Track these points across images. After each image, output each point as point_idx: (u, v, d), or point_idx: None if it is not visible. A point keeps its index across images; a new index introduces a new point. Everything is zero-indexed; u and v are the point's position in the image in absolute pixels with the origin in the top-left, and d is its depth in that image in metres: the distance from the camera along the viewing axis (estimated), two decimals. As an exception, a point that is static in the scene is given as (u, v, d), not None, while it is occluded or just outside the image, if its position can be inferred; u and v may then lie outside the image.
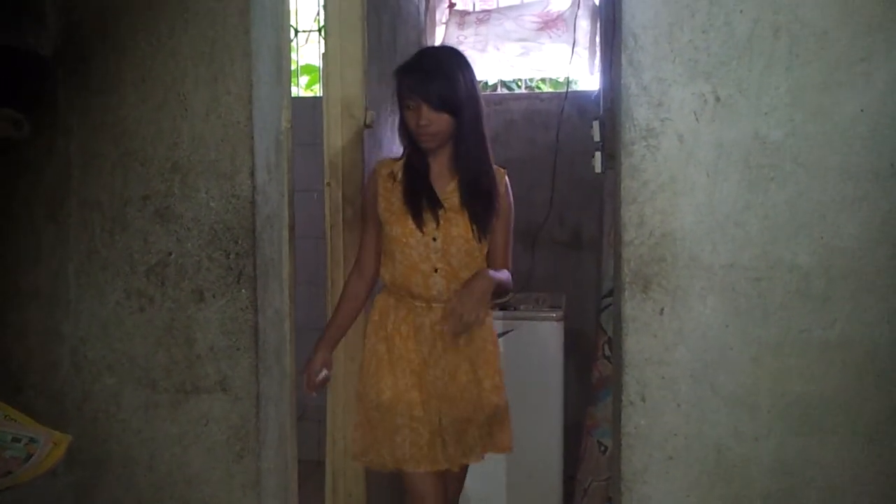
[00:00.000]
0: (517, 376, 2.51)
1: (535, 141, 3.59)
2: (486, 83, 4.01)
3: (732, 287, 1.44)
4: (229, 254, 1.62)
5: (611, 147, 1.93)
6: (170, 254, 1.64)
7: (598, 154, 2.22)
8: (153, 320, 1.65)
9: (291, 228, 1.79)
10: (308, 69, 4.73)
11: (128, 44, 1.63)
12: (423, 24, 3.58)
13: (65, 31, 1.66)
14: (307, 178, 2.66)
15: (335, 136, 2.37)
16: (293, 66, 4.22)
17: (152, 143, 1.63)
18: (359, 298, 2.16)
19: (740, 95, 1.42)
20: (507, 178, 2.11)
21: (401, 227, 2.03)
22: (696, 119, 1.43)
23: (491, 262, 2.08)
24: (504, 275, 2.09)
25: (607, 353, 2.44)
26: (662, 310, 1.46)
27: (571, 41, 3.44)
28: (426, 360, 2.05)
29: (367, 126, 2.40)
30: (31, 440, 1.58)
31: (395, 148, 2.28)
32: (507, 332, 2.81)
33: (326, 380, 2.14)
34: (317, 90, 4.87)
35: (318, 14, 4.19)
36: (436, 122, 1.95)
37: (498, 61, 3.59)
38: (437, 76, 1.96)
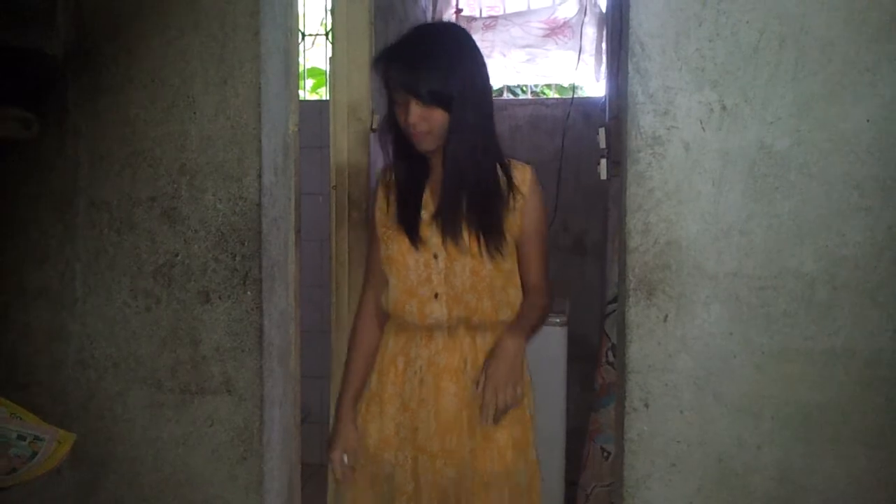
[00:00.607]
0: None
1: (539, 147, 3.61)
2: (493, 89, 4.02)
3: (737, 295, 1.45)
4: (235, 255, 1.62)
5: (616, 154, 1.92)
6: (176, 254, 1.64)
7: (603, 161, 2.23)
8: (159, 320, 1.66)
9: (298, 231, 1.80)
10: (313, 73, 4.75)
11: (137, 45, 1.64)
12: (429, 30, 3.58)
13: (74, 32, 1.67)
14: (312, 182, 2.67)
15: (342, 140, 2.39)
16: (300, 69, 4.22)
17: (160, 144, 1.64)
18: (372, 345, 1.81)
19: (746, 104, 1.43)
20: (531, 173, 1.74)
21: (396, 244, 1.72)
22: (702, 127, 1.44)
23: (523, 282, 1.76)
24: (533, 313, 1.76)
25: (611, 358, 2.44)
26: (666, 317, 1.47)
27: (578, 48, 3.45)
28: (422, 400, 1.72)
29: (373, 130, 2.41)
30: (37, 438, 1.59)
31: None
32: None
33: (352, 467, 1.77)
34: (322, 93, 4.89)
35: (324, 18, 4.21)
36: (427, 119, 1.62)
37: (504, 67, 3.61)
38: (426, 63, 1.61)
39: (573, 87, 3.66)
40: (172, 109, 1.63)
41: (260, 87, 1.60)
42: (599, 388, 2.52)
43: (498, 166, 1.71)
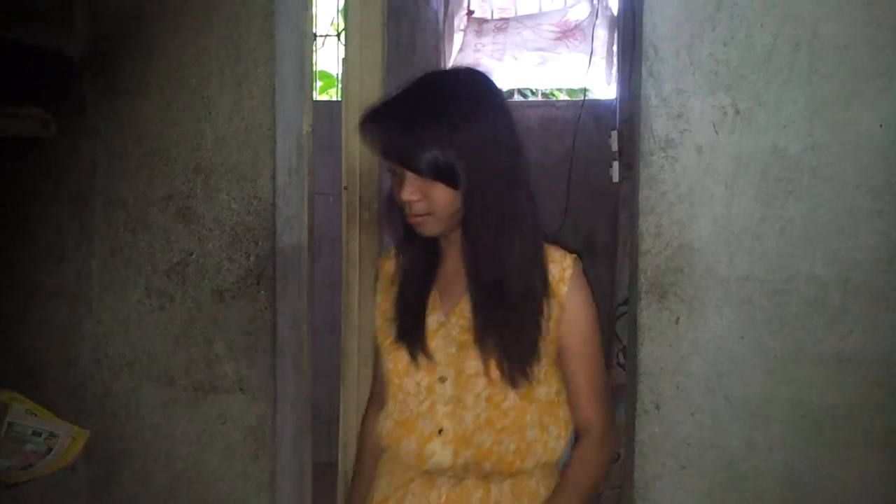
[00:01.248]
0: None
1: (550, 149, 3.61)
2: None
3: (748, 298, 1.45)
4: (249, 255, 1.64)
5: (629, 157, 1.93)
6: (191, 253, 1.66)
7: (615, 163, 2.24)
8: (173, 319, 1.67)
9: (311, 231, 1.81)
10: (322, 74, 4.76)
11: (154, 46, 1.66)
12: (441, 31, 3.60)
13: (92, 33, 1.69)
14: (322, 182, 2.68)
15: (353, 141, 2.40)
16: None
17: (176, 144, 1.65)
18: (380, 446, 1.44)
19: (760, 108, 1.43)
20: (572, 267, 1.33)
21: (393, 360, 1.36)
22: (716, 131, 1.44)
23: (571, 406, 1.37)
24: (586, 471, 1.36)
25: (622, 360, 2.44)
26: (678, 320, 1.47)
27: (589, 51, 3.45)
28: None
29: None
30: (51, 434, 1.61)
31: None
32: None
33: None
34: (331, 94, 4.91)
35: (333, 19, 4.22)
36: (427, 196, 1.25)
37: (515, 70, 3.62)
38: (424, 122, 1.23)
39: (584, 90, 3.66)
40: (188, 110, 1.65)
41: (274, 89, 1.61)
42: (610, 391, 2.52)
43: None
